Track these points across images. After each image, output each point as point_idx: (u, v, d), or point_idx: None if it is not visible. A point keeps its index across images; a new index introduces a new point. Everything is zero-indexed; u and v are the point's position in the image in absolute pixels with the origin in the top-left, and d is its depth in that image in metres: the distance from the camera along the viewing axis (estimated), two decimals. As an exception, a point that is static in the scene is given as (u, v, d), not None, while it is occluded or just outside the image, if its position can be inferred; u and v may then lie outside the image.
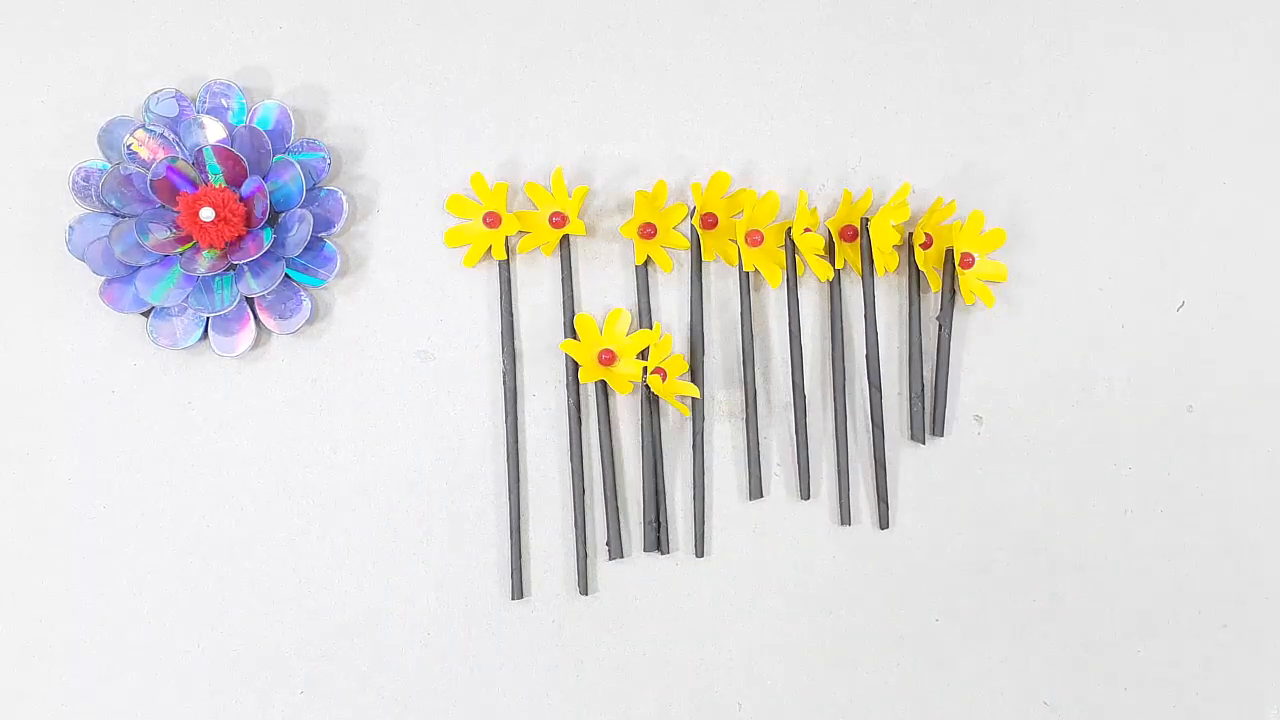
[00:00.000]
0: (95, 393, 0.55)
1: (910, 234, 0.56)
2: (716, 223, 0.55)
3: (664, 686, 0.54)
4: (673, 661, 0.54)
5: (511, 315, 0.56)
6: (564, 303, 0.56)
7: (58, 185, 0.55)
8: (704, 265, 0.56)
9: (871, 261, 0.55)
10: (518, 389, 0.55)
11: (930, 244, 0.55)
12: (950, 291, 0.56)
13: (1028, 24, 0.59)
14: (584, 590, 0.54)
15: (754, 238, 0.55)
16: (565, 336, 0.55)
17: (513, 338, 0.55)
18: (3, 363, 0.55)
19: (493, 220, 0.55)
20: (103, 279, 0.54)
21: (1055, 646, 0.55)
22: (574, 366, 0.55)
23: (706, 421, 0.55)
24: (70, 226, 0.54)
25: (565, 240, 0.56)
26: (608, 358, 0.54)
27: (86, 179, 0.54)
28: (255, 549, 0.54)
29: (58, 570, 0.54)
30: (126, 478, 0.55)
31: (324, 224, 0.55)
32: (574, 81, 0.58)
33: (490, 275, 0.56)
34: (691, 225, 0.56)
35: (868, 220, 0.55)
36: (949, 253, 0.56)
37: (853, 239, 0.56)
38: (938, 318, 0.56)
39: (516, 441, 0.55)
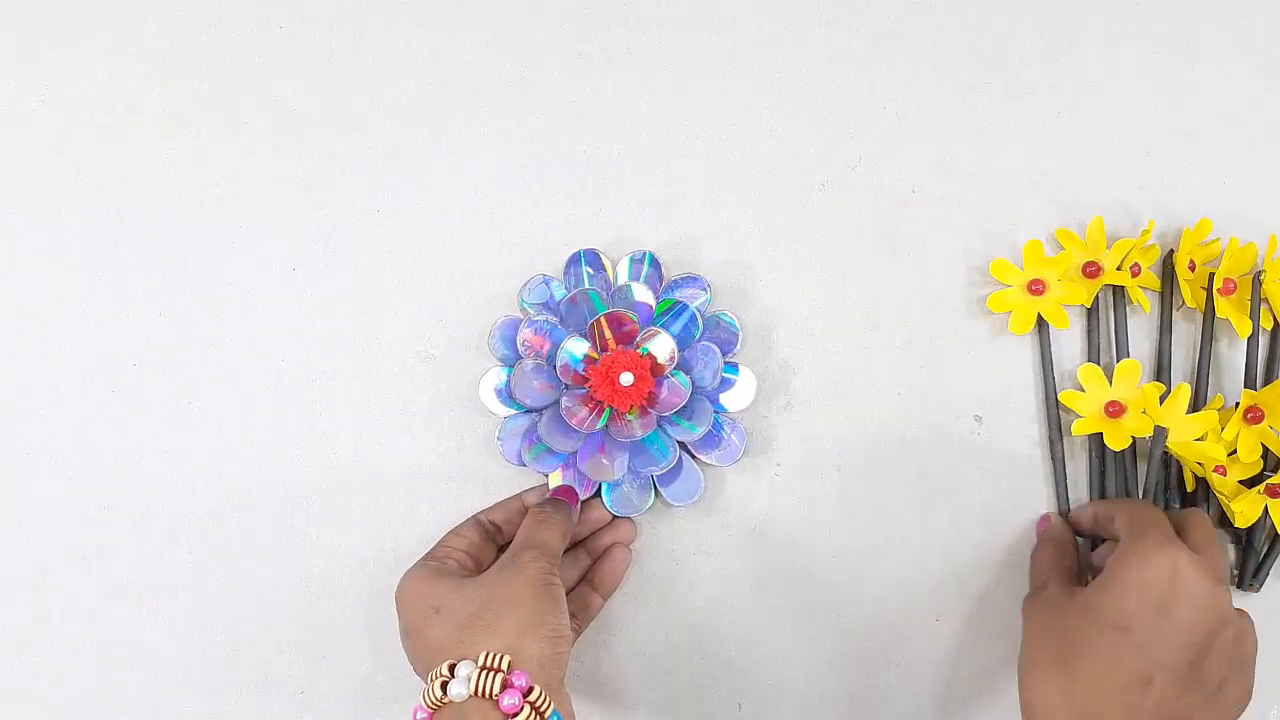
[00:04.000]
0: (95, 392, 0.55)
1: None
2: (1195, 268, 0.55)
3: (664, 686, 0.54)
4: (672, 661, 0.54)
5: (1054, 381, 0.55)
6: (1089, 349, 0.56)
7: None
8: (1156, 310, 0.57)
9: None
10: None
11: None
12: None
13: (1028, 24, 0.59)
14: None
15: (1229, 286, 0.55)
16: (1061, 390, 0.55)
17: (1056, 406, 0.55)
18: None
19: (1038, 288, 0.55)
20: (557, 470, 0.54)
21: (1055, 647, 0.55)
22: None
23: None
24: (499, 439, 0.54)
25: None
26: (1115, 410, 0.53)
27: (497, 389, 0.54)
28: (255, 549, 0.54)
29: (58, 570, 0.54)
30: (126, 478, 0.55)
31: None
32: (573, 81, 0.58)
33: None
34: (1168, 267, 0.56)
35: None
36: None
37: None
38: None
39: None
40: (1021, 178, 0.58)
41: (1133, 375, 0.54)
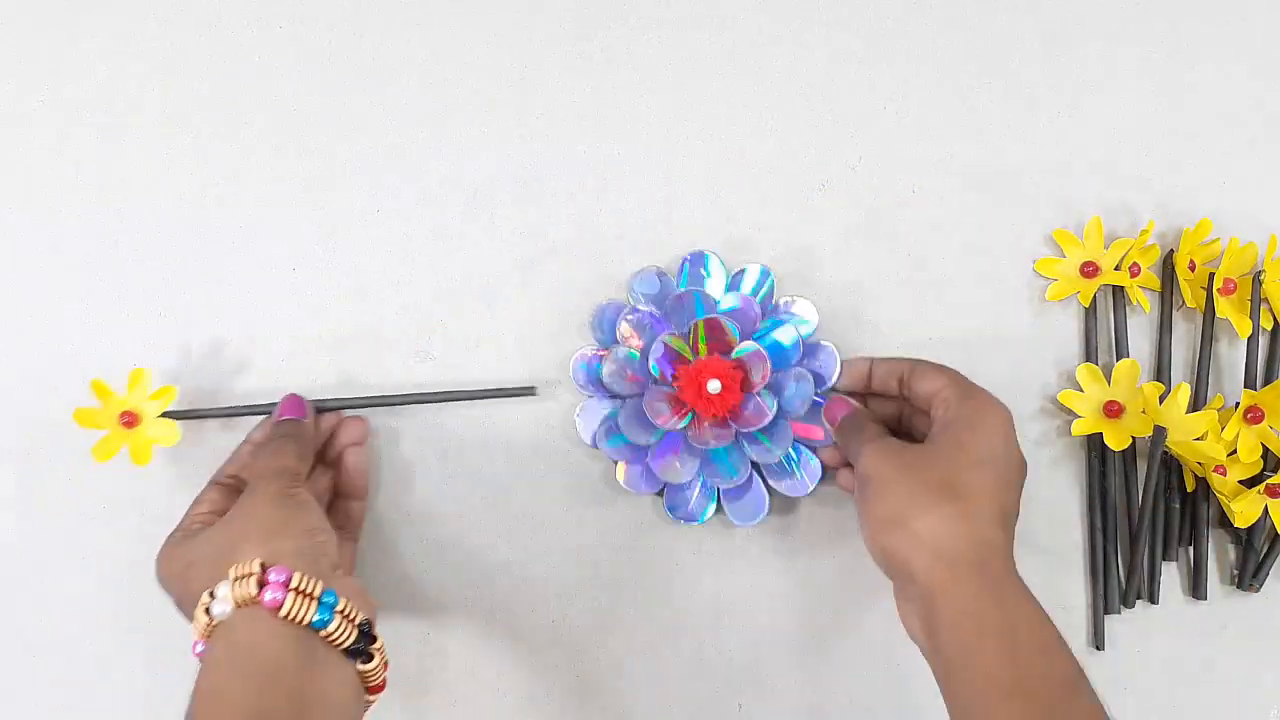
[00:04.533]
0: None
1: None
2: (1195, 268, 0.56)
3: (663, 686, 0.54)
4: (672, 660, 0.54)
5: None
6: (1087, 350, 0.56)
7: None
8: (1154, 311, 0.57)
9: None
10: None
11: None
12: None
13: (1028, 24, 0.59)
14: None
15: (1229, 286, 0.55)
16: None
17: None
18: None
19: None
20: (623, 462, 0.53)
21: (1055, 646, 0.55)
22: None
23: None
24: (578, 415, 0.54)
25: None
26: (1114, 410, 0.53)
27: (587, 366, 0.54)
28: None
29: (58, 570, 0.54)
30: (126, 476, 0.54)
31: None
32: (573, 81, 0.58)
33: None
34: (1168, 267, 0.56)
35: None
36: None
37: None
38: None
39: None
40: (1021, 178, 0.58)
41: (1132, 375, 0.54)
